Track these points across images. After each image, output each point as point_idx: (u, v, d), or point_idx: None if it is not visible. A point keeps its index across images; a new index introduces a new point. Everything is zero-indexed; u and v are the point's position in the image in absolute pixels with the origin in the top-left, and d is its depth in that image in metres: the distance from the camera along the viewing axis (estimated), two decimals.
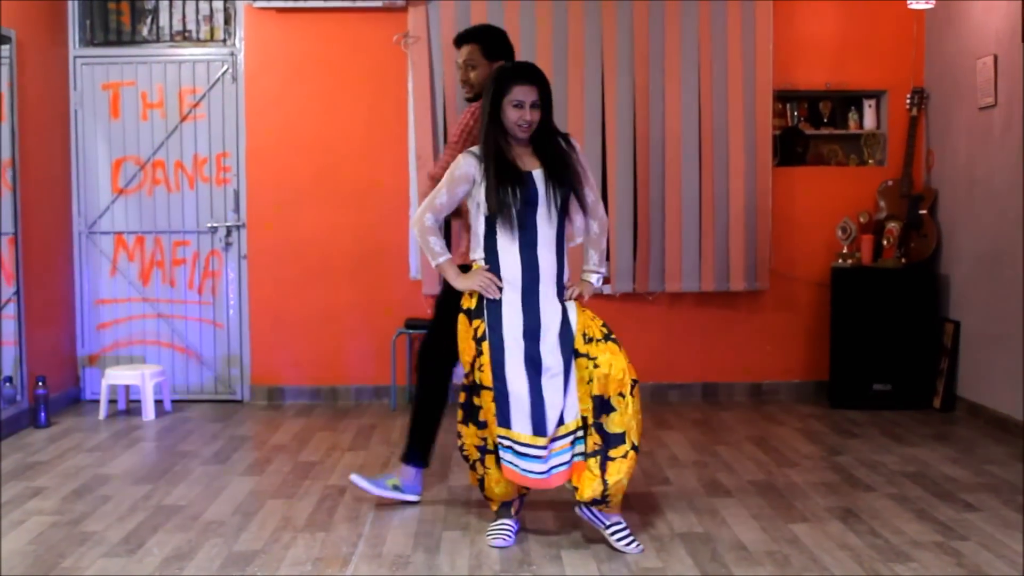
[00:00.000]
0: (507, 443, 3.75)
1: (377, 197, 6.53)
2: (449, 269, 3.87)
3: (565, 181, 3.80)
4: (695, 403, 6.59)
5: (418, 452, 4.40)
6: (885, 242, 6.41)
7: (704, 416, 6.20)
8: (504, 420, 3.75)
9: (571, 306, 3.84)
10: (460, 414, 3.96)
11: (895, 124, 6.62)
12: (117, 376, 6.22)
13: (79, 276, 6.62)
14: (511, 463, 3.76)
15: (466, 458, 4.00)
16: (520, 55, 6.34)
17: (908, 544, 3.85)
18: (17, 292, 5.80)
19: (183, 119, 6.54)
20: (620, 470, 3.76)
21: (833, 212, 6.56)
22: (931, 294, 6.35)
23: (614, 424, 3.75)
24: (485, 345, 3.76)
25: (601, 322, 3.85)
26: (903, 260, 6.37)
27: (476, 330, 3.79)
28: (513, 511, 4.00)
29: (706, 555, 3.76)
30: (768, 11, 6.43)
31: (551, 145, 3.83)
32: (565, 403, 3.76)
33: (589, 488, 3.76)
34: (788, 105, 6.74)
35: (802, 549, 3.81)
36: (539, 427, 3.73)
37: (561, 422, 3.76)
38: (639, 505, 4.32)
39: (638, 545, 3.81)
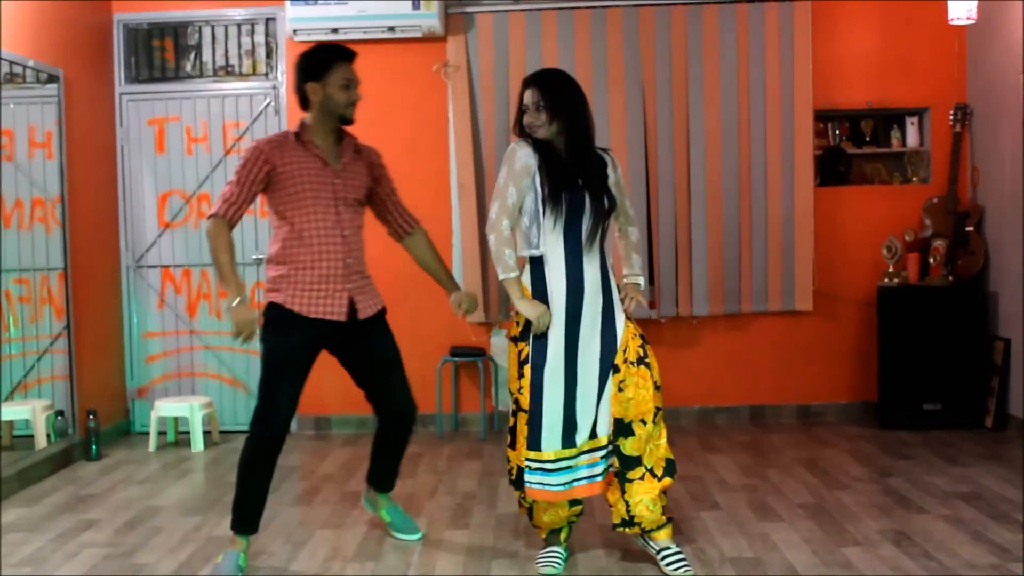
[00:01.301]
0: (535, 465, 3.77)
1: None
2: (515, 287, 3.79)
3: (606, 194, 3.81)
4: (742, 426, 6.54)
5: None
6: (932, 260, 6.34)
7: (752, 439, 6.15)
8: (535, 443, 3.77)
9: (620, 317, 3.83)
10: (508, 438, 3.97)
11: (938, 141, 6.57)
12: (166, 408, 6.28)
13: (127, 309, 6.70)
14: (540, 483, 3.77)
15: (513, 484, 3.98)
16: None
17: (963, 567, 3.80)
18: (67, 326, 5.88)
19: (227, 152, 6.62)
20: (639, 491, 3.78)
21: (878, 231, 6.51)
22: (980, 312, 6.27)
23: (629, 447, 3.79)
24: (527, 368, 3.78)
25: (640, 341, 3.84)
26: (950, 278, 6.30)
27: (520, 353, 3.82)
28: (562, 538, 3.98)
29: None
30: (807, 30, 6.41)
31: (589, 158, 3.82)
32: (597, 415, 3.78)
33: (616, 511, 3.85)
34: (829, 124, 6.71)
35: (855, 573, 3.77)
36: (568, 440, 3.76)
37: (594, 435, 3.78)
38: (688, 530, 4.29)
39: (688, 569, 3.78)
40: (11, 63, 5.44)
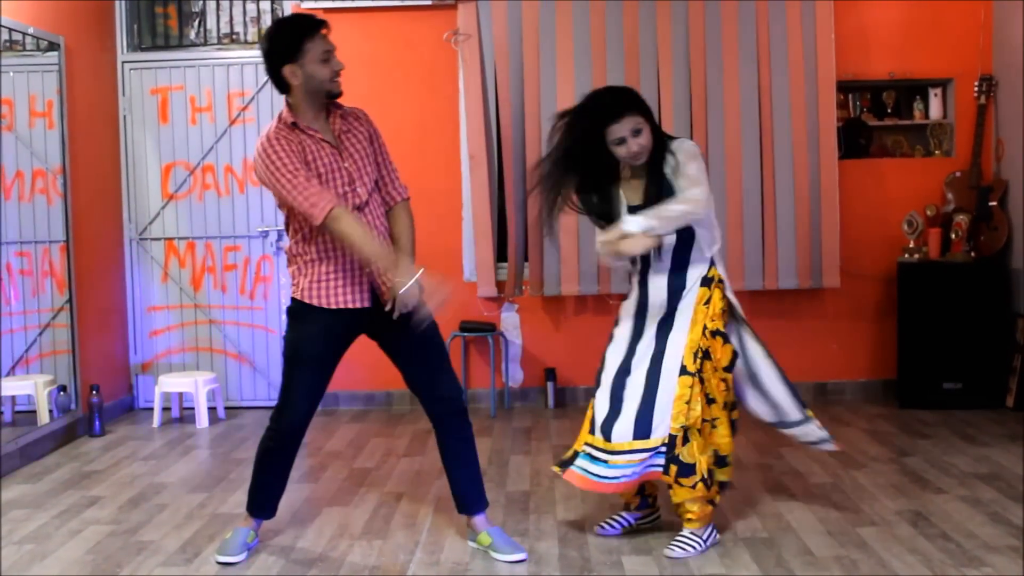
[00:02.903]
0: (592, 451, 3.75)
1: (429, 198, 6.45)
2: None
3: (661, 183, 3.74)
4: None
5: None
6: (953, 235, 6.23)
7: None
8: (591, 426, 3.79)
9: (682, 325, 3.75)
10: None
11: (962, 113, 6.44)
12: (170, 384, 6.21)
13: (131, 283, 6.62)
14: (585, 470, 3.75)
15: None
16: (574, 51, 6.31)
17: (981, 548, 3.75)
18: (69, 300, 5.81)
19: (232, 123, 6.51)
20: (683, 496, 3.74)
21: (898, 205, 6.41)
22: (1002, 289, 6.16)
23: (686, 455, 3.71)
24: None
25: (732, 348, 3.81)
26: (972, 254, 6.19)
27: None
28: (633, 505, 4.02)
29: (771, 560, 3.69)
30: None
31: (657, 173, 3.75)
32: (654, 418, 3.68)
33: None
34: (850, 96, 6.59)
35: (870, 554, 3.72)
36: (605, 430, 3.74)
37: (645, 436, 3.68)
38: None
39: (675, 551, 3.77)
40: (10, 30, 5.34)
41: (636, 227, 3.56)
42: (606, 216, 3.76)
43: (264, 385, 6.63)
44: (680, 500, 3.75)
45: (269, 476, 3.88)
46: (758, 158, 6.33)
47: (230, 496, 4.63)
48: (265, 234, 6.55)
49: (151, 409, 6.37)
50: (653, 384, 3.70)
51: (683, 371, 3.69)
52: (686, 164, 3.68)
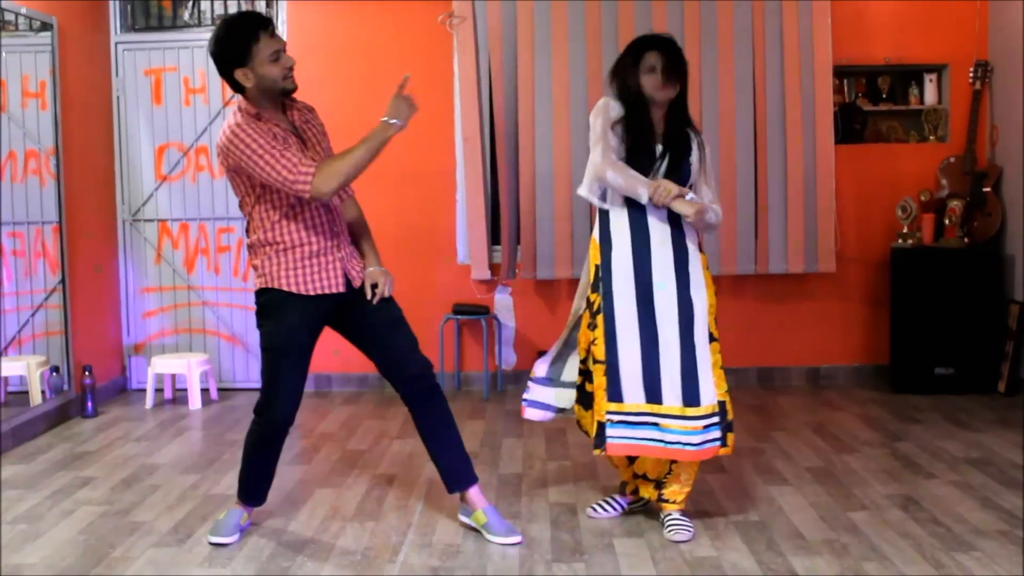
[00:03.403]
0: (618, 418, 3.68)
1: (423, 181, 6.45)
2: (644, 184, 3.67)
3: (684, 164, 3.77)
4: (751, 388, 6.46)
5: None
6: (947, 221, 6.23)
7: (760, 401, 6.08)
8: (616, 394, 3.69)
9: (698, 283, 3.74)
10: (577, 395, 3.95)
11: (957, 99, 6.43)
12: (163, 365, 6.20)
13: (123, 264, 6.61)
14: (623, 437, 3.69)
15: (595, 444, 3.86)
16: (568, 33, 6.27)
17: (971, 533, 3.76)
18: (62, 281, 5.79)
19: (226, 104, 6.49)
20: (686, 467, 3.83)
21: (893, 191, 6.40)
22: (995, 275, 6.17)
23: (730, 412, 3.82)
24: (600, 318, 3.71)
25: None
26: (966, 240, 6.19)
27: (593, 304, 3.77)
28: (629, 489, 4.00)
29: (762, 543, 3.70)
30: None
31: (680, 129, 3.81)
32: (699, 384, 3.66)
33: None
34: (845, 81, 6.57)
35: (861, 538, 3.73)
36: (653, 396, 3.67)
37: (694, 403, 3.66)
38: (694, 492, 4.20)
39: (679, 532, 3.77)
40: (3, 10, 5.31)
41: (693, 204, 3.63)
42: (639, 155, 3.75)
43: (257, 366, 6.63)
44: (676, 478, 3.77)
45: (257, 467, 3.86)
46: (752, 142, 6.32)
47: (223, 477, 4.63)
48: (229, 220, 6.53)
49: (144, 390, 6.36)
50: (689, 348, 3.67)
51: (712, 338, 3.73)
52: (712, 168, 3.89)
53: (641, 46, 3.78)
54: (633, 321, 3.68)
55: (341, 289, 3.68)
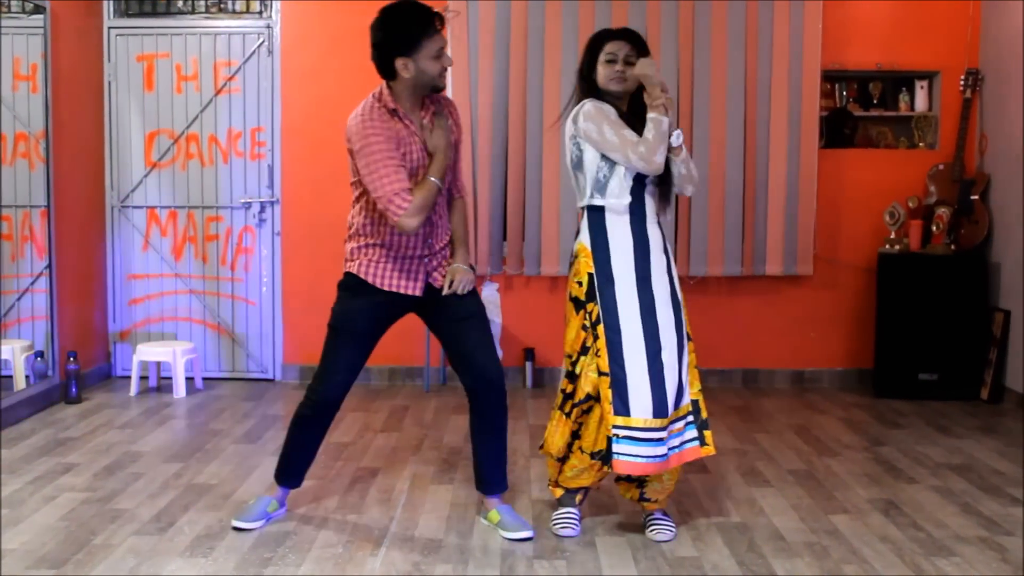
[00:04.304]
0: (624, 432, 3.56)
1: None
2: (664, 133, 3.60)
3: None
4: (735, 389, 6.47)
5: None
6: (934, 228, 6.25)
7: (744, 403, 6.09)
8: (623, 408, 3.57)
9: (676, 283, 3.74)
10: (559, 400, 3.80)
11: (948, 106, 6.46)
12: (148, 352, 6.18)
13: (111, 250, 6.58)
14: (628, 455, 3.56)
15: (542, 447, 3.88)
16: (562, 25, 6.26)
17: (951, 538, 3.78)
18: (49, 266, 5.77)
19: (218, 92, 6.47)
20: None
21: (881, 196, 6.42)
22: (981, 282, 6.20)
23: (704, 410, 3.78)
24: (601, 328, 3.62)
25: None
26: (952, 247, 6.22)
27: (591, 314, 3.65)
28: (577, 500, 3.90)
29: (743, 545, 3.70)
30: None
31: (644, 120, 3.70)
32: (681, 383, 3.65)
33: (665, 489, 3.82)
34: (837, 85, 6.59)
35: (842, 541, 3.74)
36: (660, 408, 3.58)
37: (677, 404, 3.65)
38: (676, 493, 4.23)
39: (661, 532, 3.77)
40: None
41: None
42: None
43: (242, 356, 6.62)
44: (658, 478, 3.74)
45: (300, 445, 3.91)
46: (741, 145, 6.34)
47: (205, 467, 4.62)
48: (248, 205, 6.53)
49: (128, 377, 6.34)
50: (683, 355, 3.66)
51: (689, 337, 3.73)
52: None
53: (599, 38, 3.73)
54: (638, 331, 3.59)
55: (418, 294, 3.74)
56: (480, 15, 6.29)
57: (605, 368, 3.60)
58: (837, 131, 6.52)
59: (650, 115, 3.58)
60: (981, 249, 6.28)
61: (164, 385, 6.34)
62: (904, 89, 6.61)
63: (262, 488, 4.30)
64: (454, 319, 3.79)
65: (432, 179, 3.60)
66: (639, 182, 3.67)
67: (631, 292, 3.63)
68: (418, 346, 6.38)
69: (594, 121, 3.62)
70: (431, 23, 3.54)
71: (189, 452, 4.88)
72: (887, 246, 6.31)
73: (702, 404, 3.73)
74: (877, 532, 3.83)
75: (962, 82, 6.35)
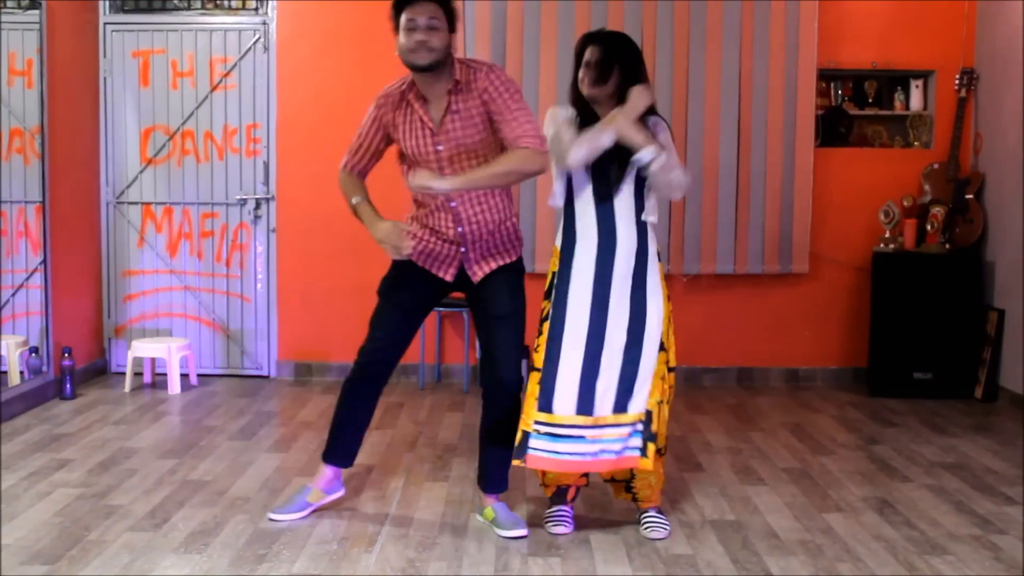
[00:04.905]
0: (544, 428, 3.59)
1: None
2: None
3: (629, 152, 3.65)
4: (730, 388, 6.48)
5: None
6: (929, 227, 6.27)
7: (739, 401, 6.10)
8: (546, 404, 3.60)
9: (654, 287, 3.70)
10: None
11: (943, 105, 6.46)
12: (143, 349, 6.17)
13: (106, 246, 6.57)
14: (545, 450, 3.58)
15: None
16: (558, 22, 6.27)
17: (945, 537, 3.79)
18: (44, 261, 5.76)
19: (213, 88, 6.46)
20: (647, 473, 3.77)
21: (876, 195, 6.43)
22: (975, 281, 6.21)
23: (657, 429, 3.68)
24: (546, 326, 3.66)
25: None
26: (947, 245, 6.23)
27: (543, 310, 3.70)
28: (569, 497, 3.89)
29: (737, 543, 3.71)
30: None
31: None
32: (633, 392, 3.63)
33: (619, 473, 3.78)
34: (832, 84, 6.59)
35: (835, 539, 3.75)
36: (585, 407, 3.59)
37: (622, 410, 3.63)
38: (670, 491, 4.24)
39: (656, 529, 3.77)
40: None
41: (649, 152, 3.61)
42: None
43: (237, 353, 6.61)
44: (644, 478, 3.76)
45: (345, 416, 3.95)
46: (735, 142, 6.34)
47: (200, 463, 4.62)
48: (243, 202, 6.52)
49: (123, 374, 6.33)
50: (634, 357, 3.62)
51: (661, 346, 3.67)
52: (670, 147, 3.73)
53: (582, 43, 3.74)
54: (583, 329, 3.60)
55: (448, 279, 3.78)
56: (476, 15, 6.28)
57: (539, 364, 3.63)
58: (832, 130, 6.53)
59: (600, 125, 3.61)
60: (976, 248, 6.29)
61: (159, 381, 6.33)
62: (899, 88, 6.61)
63: (257, 484, 4.30)
64: (488, 315, 3.79)
65: (353, 200, 3.79)
66: (601, 182, 3.64)
67: (585, 290, 3.63)
68: (413, 343, 6.36)
69: (547, 123, 3.72)
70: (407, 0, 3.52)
71: (184, 448, 4.87)
72: (882, 245, 6.31)
73: (656, 416, 3.64)
74: (871, 530, 3.84)
75: (957, 81, 6.35)
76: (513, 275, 3.81)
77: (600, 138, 3.58)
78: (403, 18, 3.52)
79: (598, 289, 3.63)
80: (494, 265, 3.77)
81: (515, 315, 3.79)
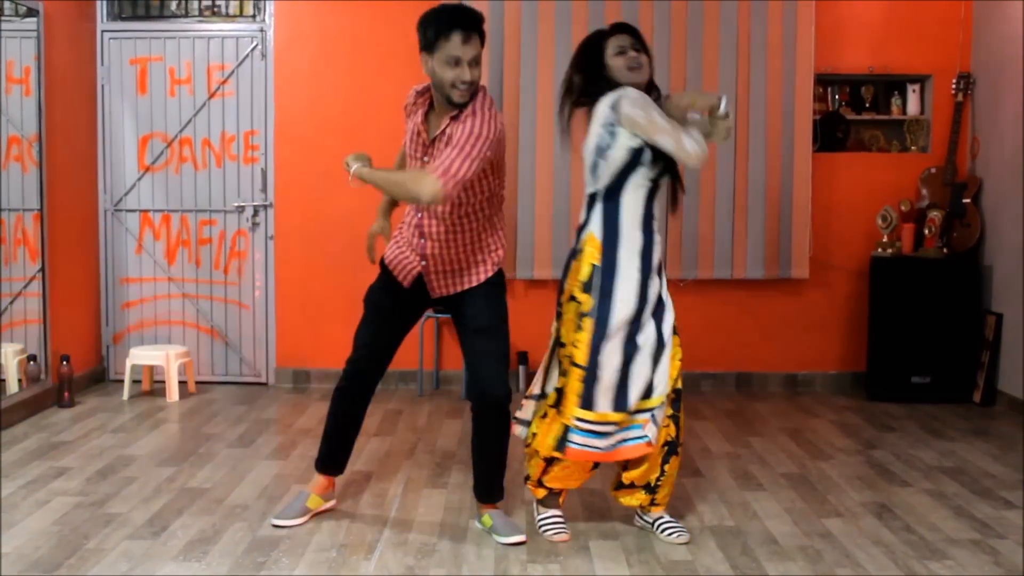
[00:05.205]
0: (584, 425, 3.61)
1: None
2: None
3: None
4: (728, 393, 6.48)
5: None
6: (927, 231, 6.27)
7: (737, 407, 6.10)
8: (588, 402, 3.61)
9: (663, 282, 3.75)
10: (553, 398, 3.77)
11: (940, 110, 6.48)
12: (141, 356, 6.17)
13: (104, 254, 6.57)
14: (582, 444, 3.63)
15: (528, 445, 3.85)
16: (555, 30, 6.29)
17: (944, 541, 3.79)
18: (42, 269, 5.76)
19: (211, 96, 6.46)
20: (675, 467, 3.80)
21: (874, 199, 6.44)
22: (973, 285, 6.21)
23: (681, 418, 3.76)
24: (587, 321, 3.61)
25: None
26: (945, 250, 6.23)
27: (583, 305, 3.64)
28: (561, 501, 3.90)
29: (737, 548, 3.71)
30: None
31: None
32: (654, 377, 3.66)
33: (640, 475, 3.77)
34: (829, 89, 6.60)
35: (835, 544, 3.75)
36: (620, 403, 3.62)
37: (648, 396, 3.66)
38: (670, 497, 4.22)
39: (683, 534, 3.78)
40: None
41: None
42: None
43: (236, 360, 6.61)
44: (671, 478, 3.77)
45: (334, 423, 4.00)
46: (733, 147, 6.34)
47: (199, 471, 4.62)
48: (241, 209, 6.52)
49: (121, 381, 6.33)
50: (662, 346, 3.66)
51: (674, 330, 3.73)
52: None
53: (598, 37, 3.74)
54: (625, 326, 3.60)
55: (405, 285, 3.84)
56: None
57: (582, 361, 3.60)
58: (830, 134, 6.54)
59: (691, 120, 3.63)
60: (973, 252, 6.30)
61: (157, 389, 6.33)
62: (896, 93, 6.62)
63: (256, 492, 4.30)
64: (467, 328, 3.81)
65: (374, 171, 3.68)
66: (654, 183, 3.65)
67: (632, 289, 3.61)
68: (411, 350, 6.38)
69: (641, 107, 3.56)
70: (452, 26, 3.50)
71: (182, 456, 4.87)
72: (880, 249, 6.32)
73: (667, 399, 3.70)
74: (870, 535, 3.84)
75: (954, 86, 6.37)
76: (492, 288, 3.81)
77: (694, 134, 3.61)
78: (446, 49, 3.50)
79: (642, 288, 3.63)
80: (456, 287, 3.79)
81: (495, 328, 3.79)
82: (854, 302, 6.54)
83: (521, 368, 6.47)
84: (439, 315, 6.30)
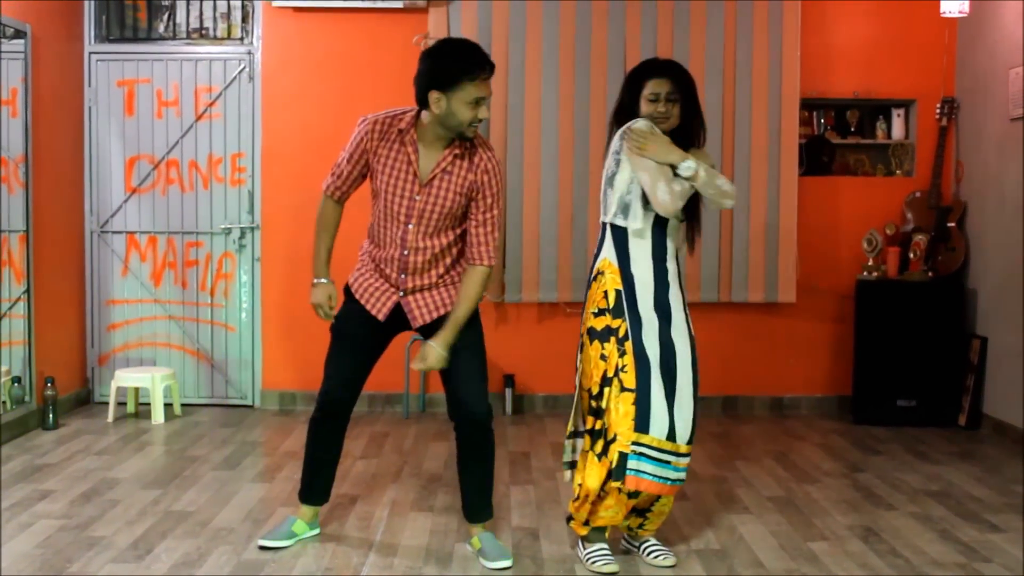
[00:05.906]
0: (641, 450, 3.55)
1: None
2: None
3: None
4: (714, 416, 6.48)
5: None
6: (912, 255, 6.30)
7: (723, 430, 6.10)
8: (643, 424, 3.55)
9: (689, 318, 3.74)
10: (588, 442, 3.73)
11: (924, 134, 6.52)
12: (127, 378, 6.14)
13: (90, 276, 6.55)
14: (641, 472, 3.55)
15: (571, 478, 3.82)
16: (541, 56, 6.32)
17: (930, 565, 3.79)
18: (27, 291, 5.74)
19: (198, 118, 6.47)
20: (671, 499, 3.85)
21: (859, 223, 6.47)
22: (958, 309, 6.24)
23: None
24: (629, 344, 3.59)
25: None
26: (930, 274, 6.27)
27: (617, 331, 3.62)
28: (607, 534, 3.83)
29: (722, 572, 3.71)
30: (796, 16, 6.32)
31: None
32: (694, 421, 3.65)
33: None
34: (815, 113, 6.65)
35: (821, 568, 3.75)
36: (673, 433, 3.58)
37: (691, 441, 3.65)
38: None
39: (668, 556, 3.78)
40: None
41: (687, 167, 3.62)
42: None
43: (221, 383, 6.58)
44: (667, 505, 3.79)
45: (311, 453, 4.00)
46: (719, 171, 6.35)
47: (183, 494, 4.59)
48: (228, 231, 6.51)
49: (106, 403, 6.29)
50: (696, 390, 3.65)
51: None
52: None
53: (642, 72, 3.75)
54: (657, 355, 3.59)
55: (380, 318, 3.79)
56: (462, 16, 6.30)
57: (631, 384, 3.57)
58: (815, 159, 6.57)
59: (701, 167, 3.63)
60: (958, 276, 6.33)
61: (142, 411, 6.29)
62: (881, 117, 6.67)
63: (241, 515, 4.28)
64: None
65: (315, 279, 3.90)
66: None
67: (652, 316, 3.63)
68: (398, 372, 6.37)
69: (636, 139, 3.63)
70: (477, 68, 3.53)
71: (167, 479, 4.84)
72: (865, 273, 6.35)
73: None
74: (856, 559, 3.84)
75: (938, 110, 6.42)
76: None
77: (692, 184, 3.64)
78: (470, 90, 3.51)
79: (660, 317, 3.64)
80: (438, 311, 3.80)
81: (472, 347, 3.79)
82: (840, 325, 6.56)
83: (507, 391, 6.46)
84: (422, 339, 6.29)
